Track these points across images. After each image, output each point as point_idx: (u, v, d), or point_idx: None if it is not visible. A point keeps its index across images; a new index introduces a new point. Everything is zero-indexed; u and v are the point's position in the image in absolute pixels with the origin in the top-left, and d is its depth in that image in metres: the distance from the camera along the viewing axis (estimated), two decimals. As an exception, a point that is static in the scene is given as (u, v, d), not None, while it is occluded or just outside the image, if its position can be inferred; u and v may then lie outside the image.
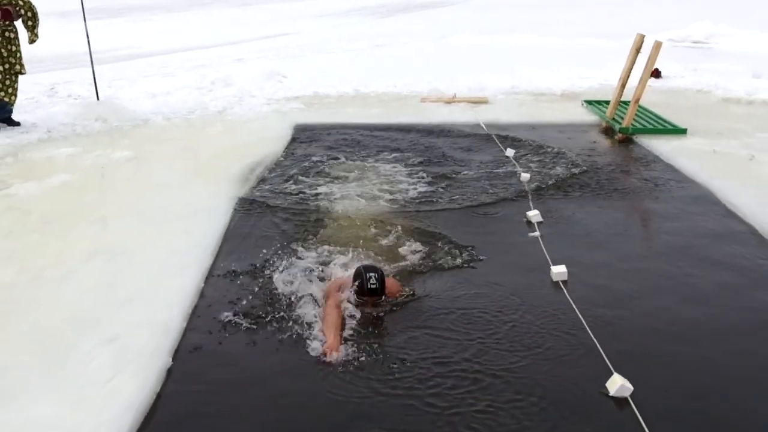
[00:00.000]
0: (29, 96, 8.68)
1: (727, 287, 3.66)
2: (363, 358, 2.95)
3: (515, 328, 3.21)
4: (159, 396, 2.76)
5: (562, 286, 3.59)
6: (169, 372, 2.91)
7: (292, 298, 3.46)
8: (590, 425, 2.54)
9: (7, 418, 2.58)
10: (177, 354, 3.03)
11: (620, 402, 2.65)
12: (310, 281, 3.62)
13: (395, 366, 2.90)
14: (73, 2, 7.22)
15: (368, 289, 3.33)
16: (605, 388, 2.71)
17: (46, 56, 12.53)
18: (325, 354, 2.93)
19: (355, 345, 3.05)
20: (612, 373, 2.76)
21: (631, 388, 2.66)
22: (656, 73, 9.98)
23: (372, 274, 3.35)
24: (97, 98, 7.84)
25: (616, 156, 6.29)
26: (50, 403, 2.67)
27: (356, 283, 3.35)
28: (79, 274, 3.83)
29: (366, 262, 3.67)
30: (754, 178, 5.37)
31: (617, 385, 2.66)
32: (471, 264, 3.91)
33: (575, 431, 2.51)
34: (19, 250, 4.21)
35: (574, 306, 3.37)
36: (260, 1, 38.93)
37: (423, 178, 5.60)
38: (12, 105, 7.08)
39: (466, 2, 33.94)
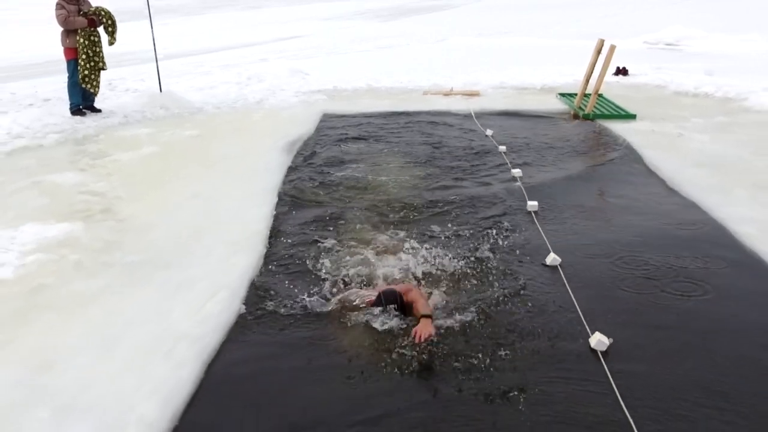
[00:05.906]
0: (95, 90, 10.40)
1: (632, 208, 5.38)
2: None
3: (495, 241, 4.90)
4: (261, 269, 4.45)
5: (534, 216, 5.27)
6: (265, 256, 4.61)
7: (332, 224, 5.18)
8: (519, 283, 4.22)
9: (169, 275, 4.25)
10: (268, 246, 4.74)
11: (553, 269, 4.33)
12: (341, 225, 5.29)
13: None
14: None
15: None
16: (544, 260, 4.38)
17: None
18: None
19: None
20: (549, 252, 4.44)
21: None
22: (624, 72, 11.69)
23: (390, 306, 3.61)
24: (160, 90, 9.55)
25: (576, 134, 7.98)
26: (193, 270, 4.32)
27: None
28: (186, 207, 5.54)
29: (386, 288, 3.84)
30: (678, 150, 7.04)
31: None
32: (464, 205, 5.55)
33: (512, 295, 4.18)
34: (138, 194, 5.91)
35: (537, 224, 5.08)
36: (267, 4, 40.59)
37: (425, 150, 7.31)
38: (95, 95, 8.81)
39: (467, 5, 35.61)
